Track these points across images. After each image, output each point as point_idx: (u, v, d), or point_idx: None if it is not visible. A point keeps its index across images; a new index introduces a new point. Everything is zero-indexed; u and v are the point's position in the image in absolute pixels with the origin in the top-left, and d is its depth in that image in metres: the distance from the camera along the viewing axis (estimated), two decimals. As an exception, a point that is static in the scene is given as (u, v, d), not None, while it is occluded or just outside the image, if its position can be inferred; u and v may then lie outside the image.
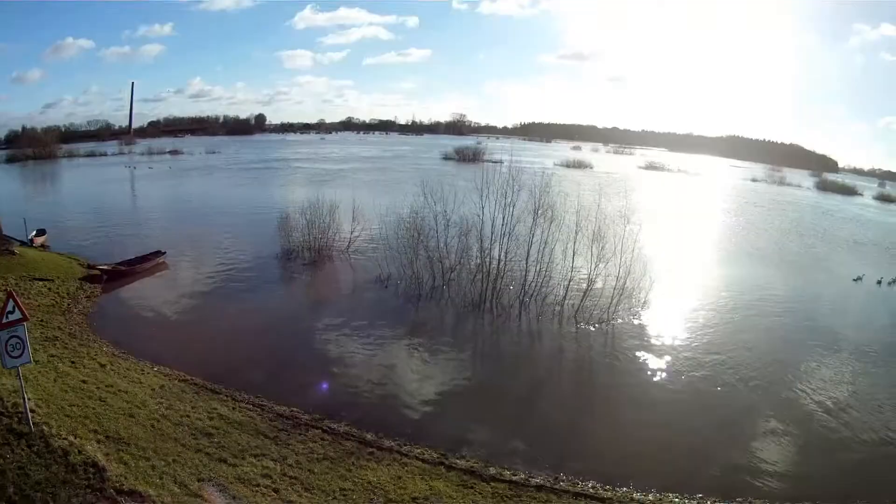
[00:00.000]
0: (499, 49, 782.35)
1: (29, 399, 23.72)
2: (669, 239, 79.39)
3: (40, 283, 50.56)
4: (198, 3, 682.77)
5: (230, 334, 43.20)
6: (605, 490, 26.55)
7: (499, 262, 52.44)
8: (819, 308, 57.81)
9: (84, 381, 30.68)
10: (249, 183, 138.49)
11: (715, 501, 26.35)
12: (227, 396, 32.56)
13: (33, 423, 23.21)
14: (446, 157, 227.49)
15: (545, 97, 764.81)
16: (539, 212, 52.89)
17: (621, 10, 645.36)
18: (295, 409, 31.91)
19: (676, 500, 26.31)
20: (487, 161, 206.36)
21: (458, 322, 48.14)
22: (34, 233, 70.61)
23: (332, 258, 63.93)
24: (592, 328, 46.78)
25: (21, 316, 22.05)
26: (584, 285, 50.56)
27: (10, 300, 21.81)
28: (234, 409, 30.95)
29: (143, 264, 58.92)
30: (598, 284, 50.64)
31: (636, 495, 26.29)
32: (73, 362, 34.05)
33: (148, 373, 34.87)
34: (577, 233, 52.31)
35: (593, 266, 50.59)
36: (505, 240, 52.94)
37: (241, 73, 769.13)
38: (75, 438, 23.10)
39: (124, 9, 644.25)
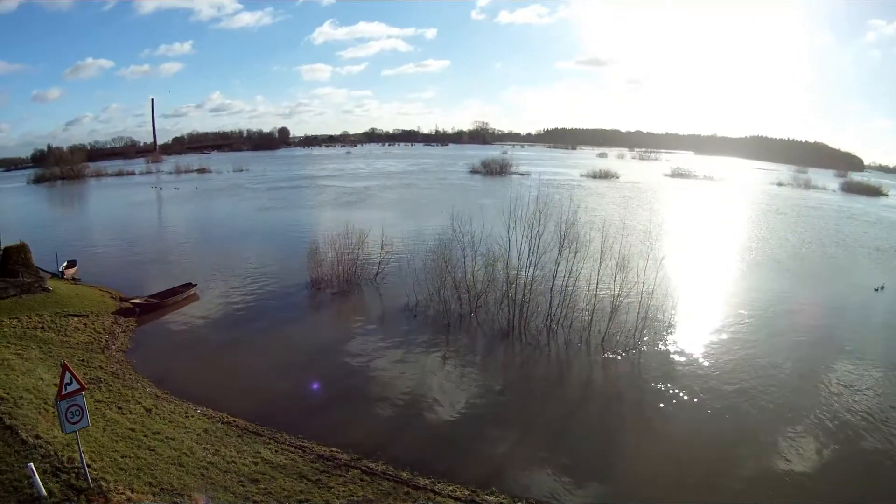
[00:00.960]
0: (517, 57, 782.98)
1: (83, 453, 24.97)
2: (692, 256, 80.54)
3: (75, 318, 51.92)
4: (217, 21, 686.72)
5: (266, 370, 44.33)
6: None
7: (525, 290, 52.88)
8: (840, 323, 57.83)
9: (132, 430, 32.07)
10: (277, 205, 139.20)
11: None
12: (269, 438, 33.68)
13: (91, 479, 24.49)
14: (473, 171, 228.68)
15: (566, 102, 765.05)
16: (564, 242, 53.11)
17: (637, 14, 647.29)
18: (334, 449, 33.00)
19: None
20: (514, 174, 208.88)
21: (487, 352, 48.92)
22: (65, 264, 72.63)
23: (360, 287, 64.69)
24: (619, 357, 47.29)
25: (79, 386, 23.62)
26: (609, 311, 51.01)
27: (67, 373, 23.19)
28: (276, 451, 32.06)
29: (175, 296, 60.14)
30: (623, 311, 51.02)
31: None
32: (119, 408, 35.49)
33: (192, 416, 36.15)
34: (601, 262, 52.55)
35: (618, 293, 51.17)
36: (531, 270, 53.50)
37: (261, 87, 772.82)
38: (132, 493, 24.48)
39: (144, 28, 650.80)
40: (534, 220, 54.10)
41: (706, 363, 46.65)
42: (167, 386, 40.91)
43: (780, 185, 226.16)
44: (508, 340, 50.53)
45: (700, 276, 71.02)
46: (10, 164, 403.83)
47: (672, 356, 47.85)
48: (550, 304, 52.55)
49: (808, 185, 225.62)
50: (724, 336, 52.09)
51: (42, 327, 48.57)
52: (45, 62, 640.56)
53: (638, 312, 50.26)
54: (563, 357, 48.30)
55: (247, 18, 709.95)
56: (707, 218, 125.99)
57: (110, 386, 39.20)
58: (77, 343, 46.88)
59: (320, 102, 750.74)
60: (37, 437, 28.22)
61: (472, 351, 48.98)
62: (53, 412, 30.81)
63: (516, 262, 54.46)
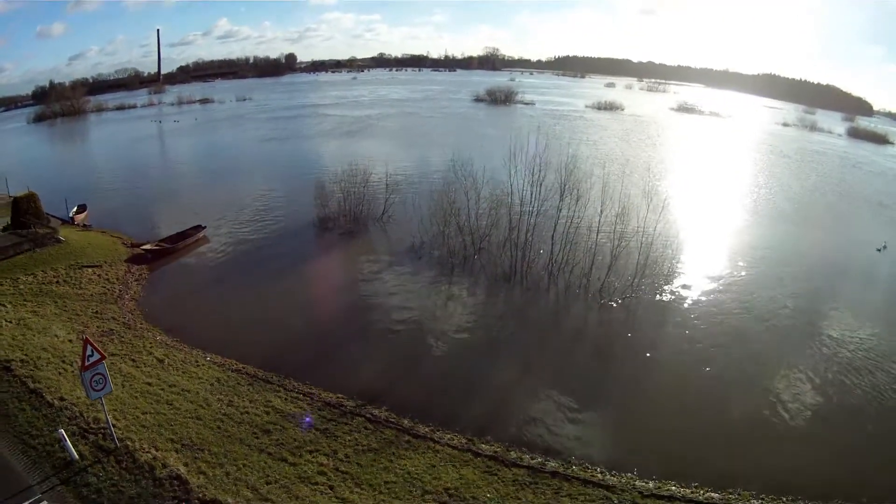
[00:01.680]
0: None
1: (108, 412, 26.73)
2: (692, 201, 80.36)
3: (89, 269, 53.38)
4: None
5: (274, 315, 45.82)
6: (612, 476, 29.28)
7: (527, 234, 54.08)
8: (840, 287, 56.95)
9: (149, 384, 33.88)
10: (278, 135, 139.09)
11: (708, 491, 28.70)
12: (278, 386, 35.48)
13: (118, 439, 26.28)
14: (477, 99, 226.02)
15: (579, 30, 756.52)
16: (565, 189, 53.58)
17: None
18: (340, 395, 34.85)
19: (674, 487, 28.75)
20: (519, 103, 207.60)
21: (489, 296, 50.29)
22: (75, 209, 73.84)
23: (366, 226, 65.61)
24: (615, 304, 48.67)
25: (99, 356, 25.14)
26: (609, 258, 52.00)
27: (88, 346, 24.80)
28: (286, 399, 33.90)
29: (185, 240, 61.38)
30: (622, 258, 52.16)
31: (638, 483, 28.86)
32: (133, 360, 37.29)
33: (202, 364, 37.90)
34: (601, 210, 52.94)
35: (617, 241, 51.96)
36: (533, 216, 54.32)
37: (267, 12, 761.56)
38: (157, 451, 26.43)
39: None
40: (535, 166, 54.08)
41: (700, 313, 48.02)
42: (177, 334, 42.57)
43: (785, 125, 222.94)
44: (510, 284, 51.88)
45: (699, 222, 71.39)
46: (11, 103, 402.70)
47: (668, 304, 49.22)
48: (552, 250, 53.71)
49: (814, 128, 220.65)
50: (720, 287, 53.18)
51: (57, 281, 49.96)
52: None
53: (637, 259, 51.39)
54: (563, 303, 49.65)
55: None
56: (708, 159, 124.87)
57: (122, 337, 40.91)
58: (91, 295, 48.28)
59: (328, 27, 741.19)
60: (61, 398, 30.03)
61: (474, 294, 50.32)
62: (72, 371, 32.99)
63: (519, 207, 55.14)
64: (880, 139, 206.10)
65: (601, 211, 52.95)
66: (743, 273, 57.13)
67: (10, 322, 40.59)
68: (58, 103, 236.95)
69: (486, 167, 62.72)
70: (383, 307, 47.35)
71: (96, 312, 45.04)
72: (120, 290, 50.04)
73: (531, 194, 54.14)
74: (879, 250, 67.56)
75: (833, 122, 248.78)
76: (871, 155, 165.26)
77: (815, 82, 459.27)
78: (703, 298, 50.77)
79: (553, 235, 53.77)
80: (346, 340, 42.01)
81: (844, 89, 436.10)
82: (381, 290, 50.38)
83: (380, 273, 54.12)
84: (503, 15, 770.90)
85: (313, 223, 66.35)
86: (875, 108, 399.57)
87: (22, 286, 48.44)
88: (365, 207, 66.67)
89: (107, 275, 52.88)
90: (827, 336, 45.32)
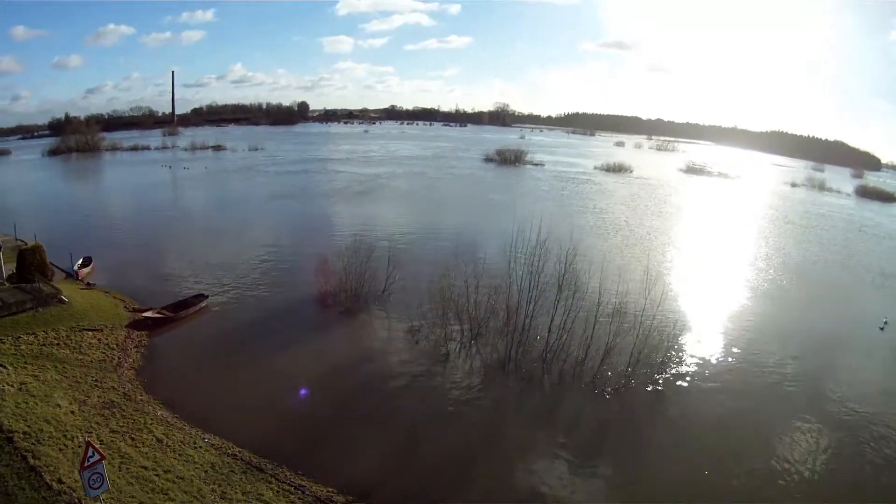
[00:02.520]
0: (540, 36, 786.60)
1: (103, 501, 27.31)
2: (691, 281, 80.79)
3: (90, 333, 54.13)
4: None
5: (271, 395, 46.29)
6: None
7: (524, 322, 54.42)
8: (838, 372, 56.61)
9: (145, 468, 34.39)
10: (287, 193, 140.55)
11: None
12: (271, 476, 35.92)
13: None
14: (487, 159, 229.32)
15: (588, 86, 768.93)
16: (563, 282, 54.06)
17: None
18: (331, 489, 35.29)
19: None
20: (528, 163, 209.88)
21: (484, 385, 50.30)
22: (80, 261, 75.06)
23: (367, 304, 65.70)
24: (608, 394, 49.02)
25: (99, 457, 25.93)
26: (604, 349, 52.01)
27: (90, 448, 25.59)
28: (278, 492, 34.38)
29: (187, 309, 61.91)
30: (617, 351, 52.09)
31: None
32: (132, 438, 37.80)
33: (200, 447, 38.38)
34: (598, 303, 53.57)
35: (614, 332, 52.23)
36: (531, 305, 54.59)
37: (283, 59, 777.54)
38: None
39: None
40: (535, 257, 54.61)
41: (693, 403, 48.60)
42: (177, 409, 43.27)
43: (793, 185, 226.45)
44: (505, 372, 51.99)
45: (697, 304, 71.34)
46: (27, 131, 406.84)
47: (661, 395, 49.60)
48: (548, 338, 53.91)
49: (822, 188, 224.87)
50: (714, 375, 53.50)
51: (58, 343, 50.75)
52: (66, 28, 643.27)
53: (632, 349, 51.68)
54: (557, 393, 49.74)
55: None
56: (712, 227, 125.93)
57: (123, 410, 41.41)
58: (91, 361, 48.99)
59: (342, 77, 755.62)
60: (60, 481, 30.67)
61: (468, 384, 50.40)
62: (73, 448, 33.80)
63: (517, 296, 55.36)
64: (887, 197, 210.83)
65: (598, 302, 53.65)
66: (739, 360, 57.48)
67: (12, 386, 41.23)
68: (73, 137, 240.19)
69: (487, 253, 66.40)
70: (379, 393, 47.79)
71: (96, 381, 45.62)
72: (119, 358, 50.71)
73: (530, 283, 54.68)
74: (881, 328, 67.56)
75: (841, 179, 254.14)
76: (877, 216, 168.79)
77: (823, 138, 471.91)
78: (697, 388, 51.29)
79: (550, 324, 54.02)
80: (339, 427, 42.40)
81: (852, 144, 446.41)
82: (377, 375, 50.75)
83: (377, 357, 54.44)
84: (514, 70, 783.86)
85: (314, 298, 66.67)
86: (883, 161, 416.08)
87: (23, 346, 49.14)
88: (366, 284, 66.89)
89: (107, 339, 53.61)
90: (825, 427, 46.02)
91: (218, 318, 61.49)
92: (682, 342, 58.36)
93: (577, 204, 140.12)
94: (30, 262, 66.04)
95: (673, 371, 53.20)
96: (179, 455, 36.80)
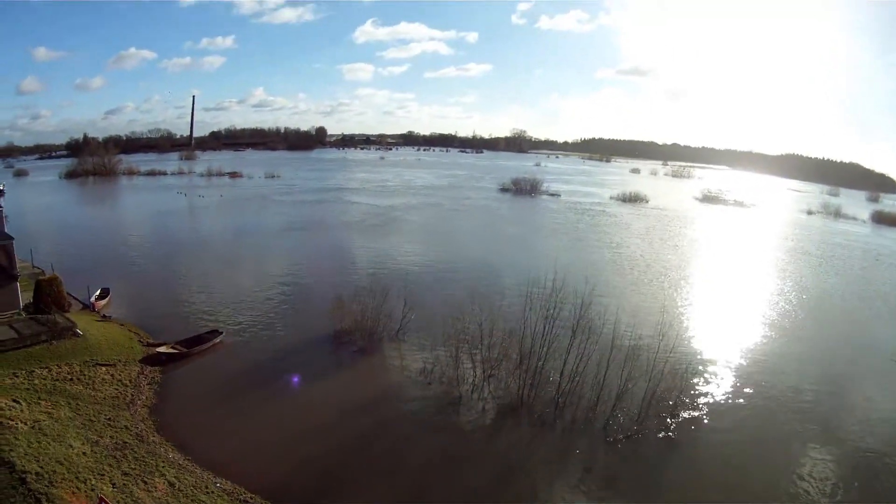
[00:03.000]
0: (557, 64, 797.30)
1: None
2: (705, 317, 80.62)
3: (103, 368, 54.51)
4: (259, 15, 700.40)
5: (283, 438, 46.25)
6: None
7: (538, 365, 54.24)
8: (854, 411, 56.67)
9: (158, 516, 34.10)
10: (302, 224, 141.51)
11: None
12: (279, 526, 35.63)
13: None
14: (503, 189, 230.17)
15: (604, 111, 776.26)
16: (577, 328, 53.87)
17: (678, 25, 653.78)
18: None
19: None
20: (544, 194, 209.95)
21: (495, 431, 50.08)
22: (98, 293, 75.72)
23: (381, 344, 65.40)
24: (620, 442, 48.62)
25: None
26: (616, 393, 51.89)
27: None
28: (287, 543, 34.06)
29: (201, 345, 62.14)
30: (628, 396, 51.90)
31: None
32: (144, 482, 37.85)
33: (212, 492, 38.61)
34: (612, 347, 52.99)
35: (625, 377, 51.94)
36: (544, 349, 54.37)
37: (303, 84, 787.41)
38: None
39: (186, 20, 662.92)
40: (550, 304, 54.46)
41: (705, 450, 48.28)
42: (189, 451, 43.44)
43: (809, 213, 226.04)
44: (517, 416, 51.79)
45: (711, 343, 70.46)
46: (45, 151, 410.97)
47: (671, 446, 48.96)
48: (561, 382, 53.69)
49: (837, 214, 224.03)
50: (727, 425, 52.62)
51: (71, 379, 51.15)
52: (88, 51, 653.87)
53: (644, 394, 51.62)
54: (568, 438, 49.33)
55: (288, 14, 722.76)
56: (728, 261, 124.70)
57: (135, 452, 41.49)
58: (104, 398, 49.33)
59: (361, 103, 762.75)
60: (73, 527, 30.60)
61: (481, 429, 50.25)
62: (85, 492, 33.85)
63: (531, 340, 55.03)
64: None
65: (612, 346, 53.08)
66: (753, 401, 57.13)
67: (26, 424, 41.42)
68: (90, 160, 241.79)
69: (502, 294, 69.43)
70: (391, 437, 47.75)
71: (109, 419, 45.81)
72: (132, 395, 51.02)
73: (544, 328, 54.42)
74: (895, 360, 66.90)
75: (857, 204, 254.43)
76: (894, 244, 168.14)
77: (839, 160, 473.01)
78: (710, 432, 51.02)
79: (563, 368, 53.94)
80: (350, 473, 42.53)
81: (867, 166, 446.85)
82: (389, 418, 50.74)
83: (389, 399, 54.41)
84: (532, 96, 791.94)
85: (329, 337, 66.32)
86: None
87: (37, 381, 49.59)
88: (381, 324, 66.72)
89: (120, 375, 54.01)
90: (840, 466, 46.38)
91: (232, 356, 61.55)
92: (696, 385, 58.06)
93: (592, 238, 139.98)
94: (46, 294, 66.55)
95: (685, 415, 52.75)
96: (192, 501, 36.99)
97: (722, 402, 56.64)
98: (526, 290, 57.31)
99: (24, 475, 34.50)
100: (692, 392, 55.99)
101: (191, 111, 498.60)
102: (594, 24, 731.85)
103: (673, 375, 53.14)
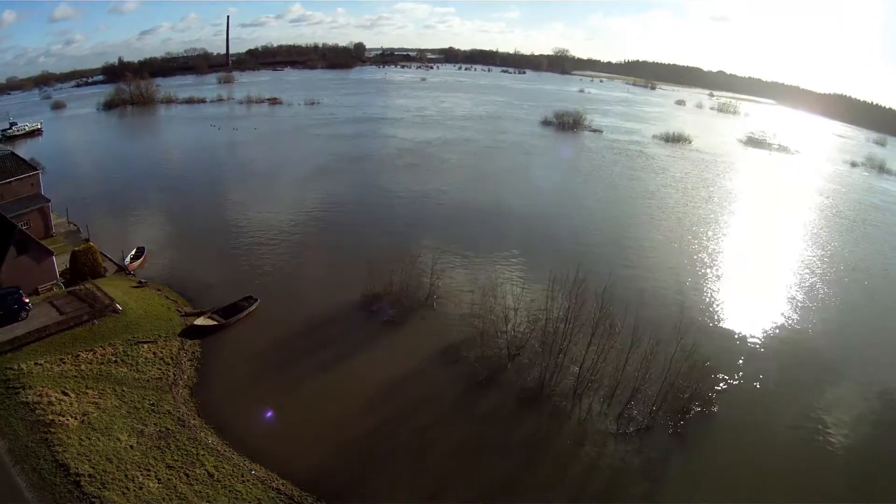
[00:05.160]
0: None
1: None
2: (728, 298, 79.27)
3: (145, 346, 57.40)
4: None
5: (314, 421, 49.75)
6: None
7: (560, 349, 55.57)
8: (871, 401, 57.98)
9: (199, 510, 37.83)
10: (337, 167, 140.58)
11: None
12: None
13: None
14: (544, 122, 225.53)
15: (650, 33, 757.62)
16: (598, 323, 55.01)
17: None
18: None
19: None
20: (586, 129, 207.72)
21: (516, 418, 52.24)
22: (133, 252, 78.85)
23: (410, 315, 67.04)
24: (633, 434, 50.93)
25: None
26: (633, 385, 53.63)
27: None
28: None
29: (238, 314, 64.70)
30: (647, 383, 53.52)
31: None
32: (186, 475, 41.77)
33: (247, 479, 42.43)
34: (631, 344, 54.06)
35: (642, 372, 53.37)
36: (566, 341, 55.64)
37: None
38: None
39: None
40: (573, 296, 55.43)
41: (709, 454, 49.92)
42: (227, 434, 47.25)
43: (853, 165, 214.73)
44: (538, 402, 53.78)
45: (728, 337, 69.26)
46: (80, 76, 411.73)
47: (683, 437, 51.20)
48: (580, 371, 55.35)
49: (882, 169, 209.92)
50: (740, 420, 54.16)
51: (115, 361, 54.28)
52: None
53: (661, 387, 52.78)
54: (583, 429, 51.58)
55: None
56: (758, 222, 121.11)
57: (178, 440, 45.27)
58: (147, 380, 52.49)
59: (402, 17, 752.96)
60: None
61: (503, 416, 52.31)
62: (134, 491, 38.24)
63: (553, 328, 56.41)
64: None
65: (632, 338, 54.17)
66: (767, 399, 57.71)
67: (76, 418, 45.37)
68: (128, 88, 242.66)
69: (530, 269, 71.24)
70: (417, 420, 50.75)
71: (153, 405, 49.12)
72: (174, 375, 54.08)
73: (567, 316, 55.65)
74: None
75: None
76: None
77: (889, 107, 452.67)
78: (718, 432, 52.40)
79: (584, 356, 55.36)
80: (374, 464, 45.42)
81: None
82: (416, 400, 53.39)
83: (416, 379, 56.50)
84: (576, 14, 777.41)
85: (359, 305, 68.29)
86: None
87: (83, 366, 52.90)
88: (410, 291, 68.66)
89: (161, 353, 57.02)
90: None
91: (266, 325, 63.88)
92: (712, 379, 57.70)
93: (626, 186, 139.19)
94: (83, 263, 69.25)
95: (697, 411, 53.87)
96: (229, 491, 40.77)
97: (735, 397, 57.49)
98: (549, 281, 58.32)
99: (78, 478, 37.94)
100: (705, 384, 55.51)
101: (226, 31, 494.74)
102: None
103: (690, 368, 53.17)
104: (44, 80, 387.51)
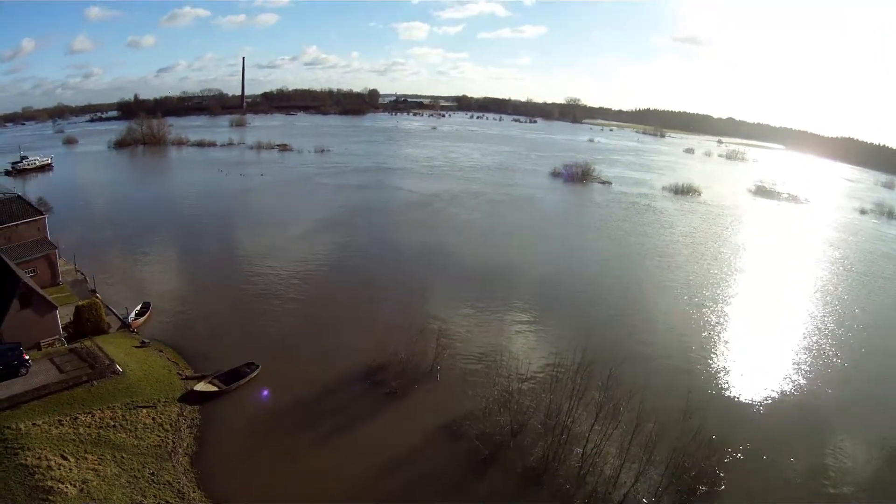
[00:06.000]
0: (613, 29, 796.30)
1: None
2: (736, 369, 76.67)
3: (144, 411, 56.68)
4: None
5: (315, 496, 48.31)
6: None
7: (564, 422, 55.37)
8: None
9: None
10: (344, 219, 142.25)
11: None
12: None
13: None
14: (554, 174, 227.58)
15: (660, 80, 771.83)
16: (602, 408, 54.56)
17: None
18: None
19: None
20: (595, 181, 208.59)
21: (517, 497, 51.02)
22: (138, 308, 78.79)
23: (414, 386, 65.91)
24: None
25: None
26: (637, 472, 52.12)
27: None
28: None
29: (239, 381, 63.98)
30: (651, 465, 52.11)
31: None
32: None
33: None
34: (635, 427, 52.93)
35: (646, 459, 52.02)
36: (570, 419, 55.40)
37: (357, 42, 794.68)
38: None
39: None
40: (576, 381, 55.47)
41: None
42: (229, 509, 45.99)
43: (862, 212, 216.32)
44: (540, 483, 52.59)
45: (735, 410, 67.49)
46: (96, 111, 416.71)
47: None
48: (584, 451, 54.36)
49: (891, 215, 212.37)
50: (742, 494, 53.18)
51: (114, 426, 53.55)
52: (141, 9, 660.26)
53: (665, 469, 51.78)
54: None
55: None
56: (768, 279, 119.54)
57: (178, 514, 44.03)
58: (147, 447, 51.80)
59: (416, 62, 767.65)
60: None
61: (503, 497, 51.10)
62: None
63: (558, 406, 56.40)
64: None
65: (636, 424, 53.01)
66: (769, 473, 56.74)
67: (75, 486, 44.70)
68: (140, 128, 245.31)
69: (536, 339, 70.26)
70: (418, 496, 49.82)
71: (153, 474, 48.45)
72: (174, 442, 53.33)
73: (571, 399, 55.59)
74: None
75: None
76: None
77: (894, 148, 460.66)
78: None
79: (588, 435, 54.61)
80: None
81: None
82: (418, 477, 52.39)
83: (418, 455, 55.35)
84: (587, 62, 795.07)
85: (362, 375, 67.25)
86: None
87: (82, 429, 52.13)
88: (414, 361, 67.96)
89: (161, 418, 56.32)
90: None
91: (269, 397, 62.79)
92: (718, 458, 56.37)
93: (635, 243, 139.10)
94: (87, 319, 69.02)
95: (704, 490, 52.91)
96: None
97: (743, 472, 56.29)
98: (554, 357, 59.50)
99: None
100: (715, 463, 54.85)
101: (241, 73, 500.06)
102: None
103: (696, 447, 52.42)
104: (59, 113, 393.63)
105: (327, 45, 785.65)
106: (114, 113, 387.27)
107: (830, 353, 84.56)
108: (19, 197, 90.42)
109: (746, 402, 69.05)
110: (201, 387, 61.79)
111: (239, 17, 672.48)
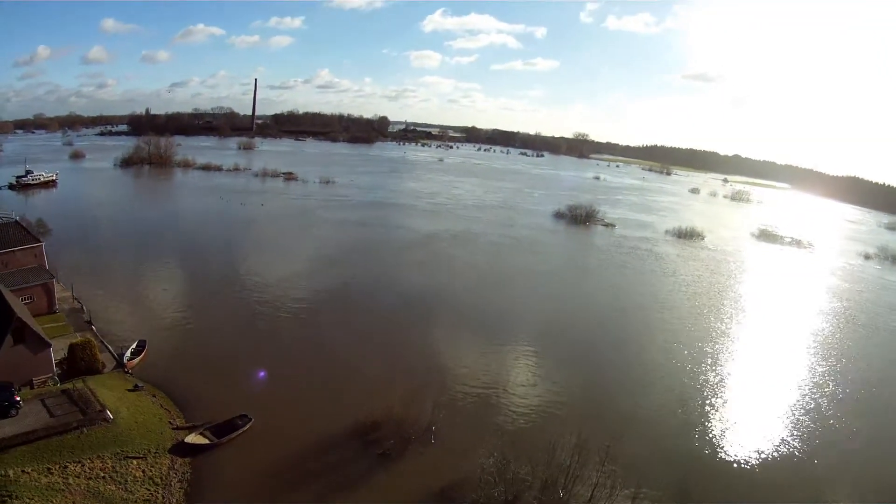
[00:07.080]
0: (623, 65, 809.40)
1: None
2: (736, 439, 74.00)
3: (134, 462, 55.76)
4: (329, 0, 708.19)
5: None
6: None
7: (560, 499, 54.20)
8: None
9: None
10: (341, 258, 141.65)
11: None
12: None
13: None
14: (557, 215, 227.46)
15: (668, 116, 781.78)
16: (598, 484, 54.31)
17: (747, 32, 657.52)
18: None
19: None
20: (598, 223, 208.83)
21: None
22: (134, 346, 78.33)
23: (408, 447, 64.44)
24: None
25: None
26: None
27: None
28: None
29: (230, 434, 62.83)
30: None
31: None
32: None
33: None
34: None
35: None
36: (566, 496, 54.39)
37: (369, 68, 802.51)
38: None
39: (256, 1, 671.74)
40: (573, 457, 54.83)
41: None
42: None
43: (866, 257, 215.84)
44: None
45: (736, 481, 65.21)
46: (107, 122, 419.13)
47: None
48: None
49: (895, 261, 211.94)
50: None
51: (104, 477, 52.75)
52: (157, 24, 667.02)
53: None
54: None
55: (358, 0, 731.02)
56: (768, 333, 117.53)
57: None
58: (136, 501, 50.75)
59: (426, 91, 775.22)
60: None
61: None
62: None
63: (554, 478, 55.30)
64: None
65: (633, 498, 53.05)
66: None
67: None
68: (147, 147, 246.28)
69: (535, 404, 69.26)
70: None
71: (143, 535, 46.80)
72: (164, 497, 52.23)
73: (567, 475, 54.85)
74: None
75: None
76: None
77: None
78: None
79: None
80: None
81: None
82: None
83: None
84: (597, 96, 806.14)
85: (357, 432, 65.84)
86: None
87: (71, 479, 51.38)
88: (409, 420, 66.80)
89: (151, 471, 55.27)
90: None
91: (259, 449, 61.60)
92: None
93: (635, 291, 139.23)
94: (80, 358, 68.42)
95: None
96: None
97: None
98: (553, 412, 60.99)
99: None
100: None
101: (253, 94, 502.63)
102: (661, 28, 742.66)
103: None
104: (70, 122, 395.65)
105: (340, 70, 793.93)
106: (124, 127, 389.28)
107: (831, 414, 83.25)
108: (16, 223, 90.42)
109: (744, 464, 68.10)
110: (192, 439, 60.68)
111: (253, 38, 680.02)
